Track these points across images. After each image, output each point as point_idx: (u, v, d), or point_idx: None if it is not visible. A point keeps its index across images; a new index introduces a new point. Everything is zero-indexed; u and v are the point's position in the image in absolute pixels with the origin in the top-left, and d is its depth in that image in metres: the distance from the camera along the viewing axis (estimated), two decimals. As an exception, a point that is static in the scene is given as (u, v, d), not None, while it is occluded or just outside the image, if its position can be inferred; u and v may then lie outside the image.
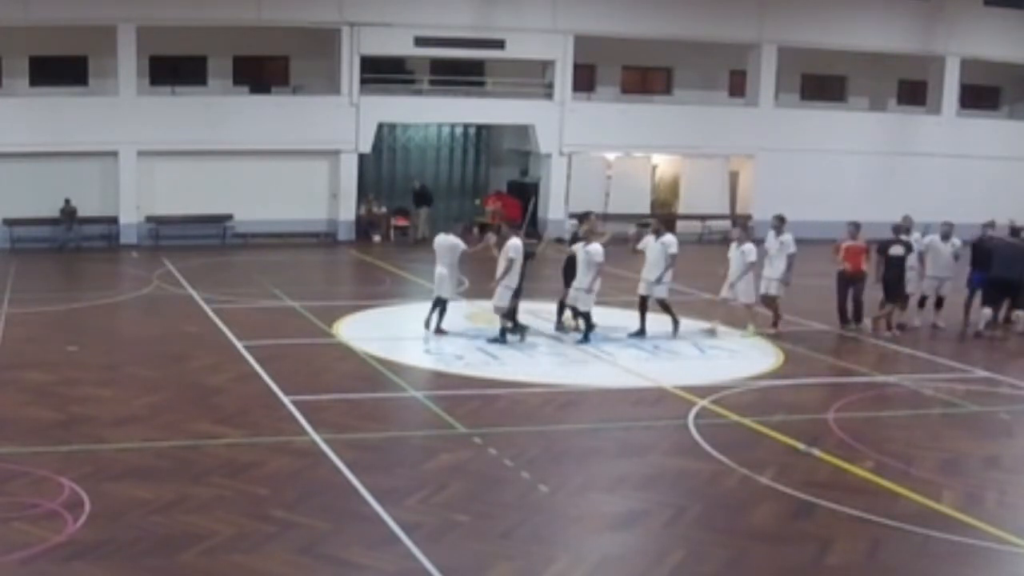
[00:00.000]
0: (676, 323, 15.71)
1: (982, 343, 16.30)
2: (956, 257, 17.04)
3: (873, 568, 7.64)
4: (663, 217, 30.60)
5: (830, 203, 28.69)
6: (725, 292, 16.15)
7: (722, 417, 11.39)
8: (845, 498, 8.83)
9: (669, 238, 15.73)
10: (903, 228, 17.16)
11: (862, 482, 9.35)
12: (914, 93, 33.22)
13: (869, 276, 16.37)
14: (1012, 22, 31.91)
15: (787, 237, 16.25)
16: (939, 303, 17.07)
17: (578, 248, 15.05)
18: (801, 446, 10.30)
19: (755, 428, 10.95)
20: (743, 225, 18.13)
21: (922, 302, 17.16)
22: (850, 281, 16.37)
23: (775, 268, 16.19)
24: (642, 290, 15.67)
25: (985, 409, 12.10)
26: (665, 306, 15.69)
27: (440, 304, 15.29)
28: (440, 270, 15.23)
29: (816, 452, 10.12)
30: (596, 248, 14.73)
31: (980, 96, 33.97)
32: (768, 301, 16.27)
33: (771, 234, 16.52)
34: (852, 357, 14.77)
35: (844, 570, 7.57)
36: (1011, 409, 12.13)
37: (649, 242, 15.76)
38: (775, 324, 16.11)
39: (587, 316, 15.00)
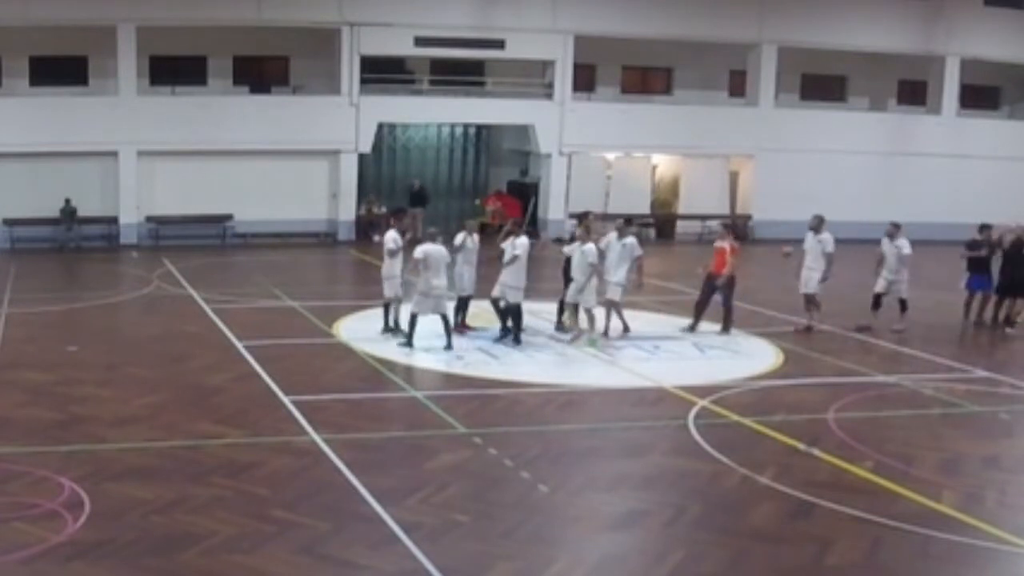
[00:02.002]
0: (626, 328, 15.51)
1: (982, 343, 16.32)
2: (902, 258, 16.61)
3: (873, 568, 7.64)
4: (661, 217, 30.82)
5: (830, 203, 28.56)
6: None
7: (722, 417, 11.39)
8: (845, 498, 8.83)
9: (631, 240, 15.42)
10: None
11: (862, 482, 9.35)
12: (914, 93, 33.21)
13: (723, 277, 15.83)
14: (1012, 22, 31.92)
15: (826, 236, 16.23)
16: (902, 306, 16.69)
17: (574, 248, 15.02)
18: (801, 446, 10.30)
19: (755, 428, 10.95)
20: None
21: (877, 302, 16.82)
22: (712, 283, 15.83)
23: (816, 267, 16.23)
24: (609, 294, 15.31)
25: (985, 409, 12.10)
26: (615, 308, 15.47)
27: (462, 303, 15.33)
28: (459, 270, 15.17)
29: (816, 452, 10.12)
30: (591, 248, 14.66)
31: (980, 96, 33.96)
32: (809, 299, 16.39)
33: (809, 234, 16.49)
34: (852, 357, 14.76)
35: (844, 570, 7.57)
36: (1011, 409, 12.14)
37: (611, 241, 15.47)
38: (810, 321, 16.27)
39: (589, 312, 14.97)
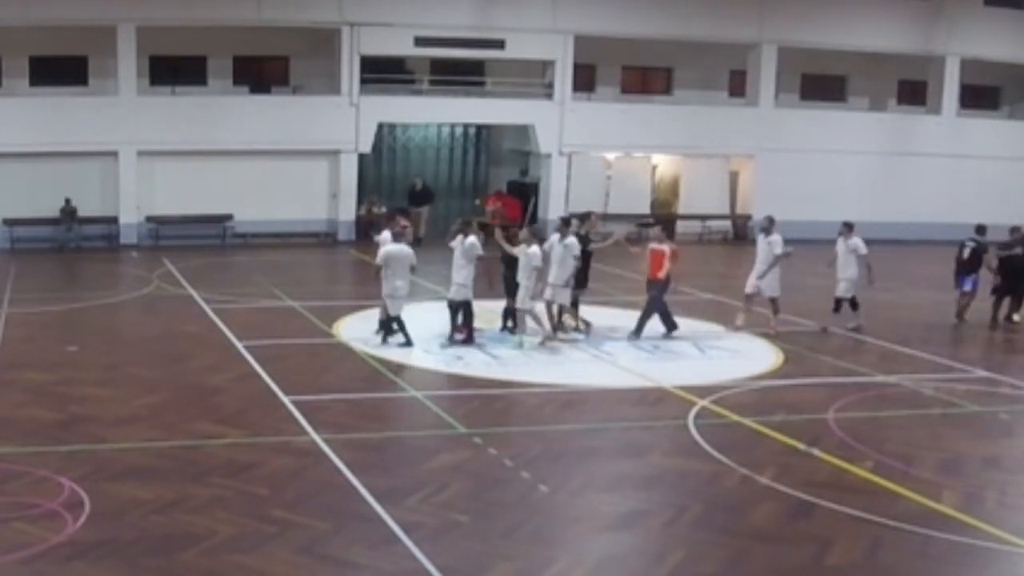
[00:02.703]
0: (554, 331, 15.20)
1: (982, 343, 16.32)
2: (859, 257, 16.49)
3: (873, 568, 7.64)
4: (662, 217, 30.76)
5: (830, 203, 28.70)
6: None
7: (722, 417, 11.39)
8: (845, 498, 8.83)
9: (571, 240, 14.95)
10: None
11: (862, 482, 9.35)
12: (914, 93, 33.21)
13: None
14: (1012, 22, 31.92)
15: (775, 238, 16.01)
16: (853, 305, 16.60)
17: (554, 242, 14.87)
18: (801, 446, 10.30)
19: (755, 428, 10.96)
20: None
21: (837, 306, 16.70)
22: (651, 286, 15.44)
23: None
24: (548, 296, 14.97)
25: (985, 409, 12.10)
26: (563, 310, 15.25)
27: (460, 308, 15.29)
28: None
29: (816, 452, 10.12)
30: (536, 251, 14.38)
31: (980, 96, 33.96)
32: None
33: (760, 236, 16.33)
34: (852, 357, 14.76)
35: (844, 570, 7.57)
36: (1011, 409, 12.14)
37: (553, 243, 15.03)
38: (773, 326, 16.06)
39: (575, 306, 14.85)
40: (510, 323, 15.39)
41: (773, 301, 16.12)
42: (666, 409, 11.74)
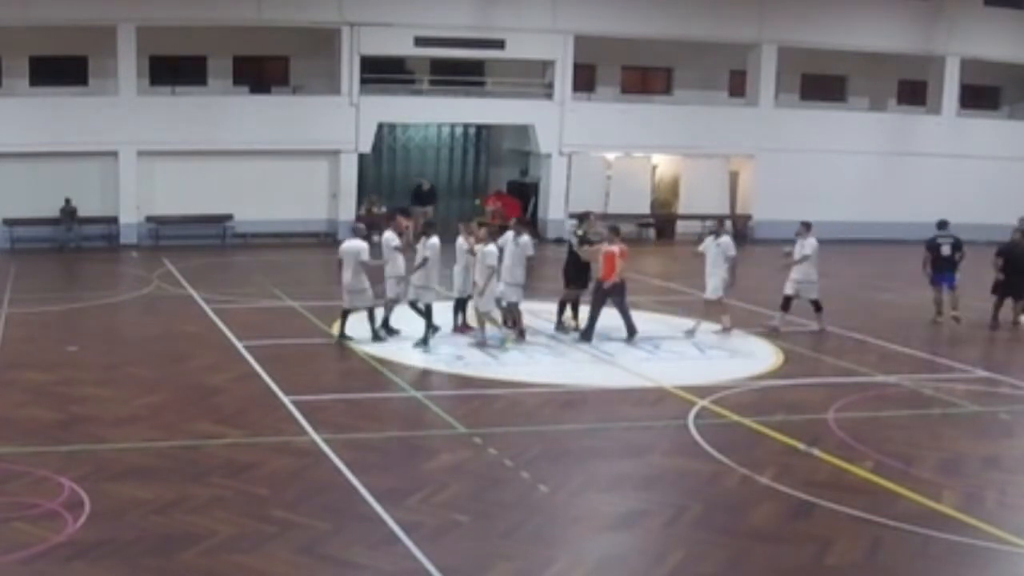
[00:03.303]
0: (513, 334, 15.06)
1: (982, 343, 16.31)
2: (804, 258, 16.28)
3: (873, 568, 7.65)
4: (662, 217, 30.79)
5: (830, 203, 28.71)
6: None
7: (722, 417, 11.39)
8: (845, 498, 8.83)
9: (525, 239, 14.98)
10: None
11: (862, 482, 9.35)
12: (914, 93, 33.21)
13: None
14: (1012, 22, 31.91)
15: (725, 240, 15.96)
16: (815, 306, 16.42)
17: (507, 239, 14.83)
18: (801, 446, 10.30)
19: (755, 428, 10.95)
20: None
21: (786, 304, 16.48)
22: (604, 290, 14.98)
23: (716, 272, 15.85)
24: (497, 292, 14.77)
25: (985, 409, 12.10)
26: (512, 309, 15.06)
27: (460, 304, 15.33)
28: (458, 270, 15.04)
29: (816, 452, 10.12)
30: (492, 250, 14.35)
31: (980, 96, 33.95)
32: (712, 303, 15.94)
33: (709, 239, 16.16)
34: (852, 357, 14.76)
35: (844, 570, 7.57)
36: (1011, 409, 12.14)
37: (507, 241, 14.95)
38: (725, 326, 15.89)
39: (514, 307, 14.73)
40: (510, 323, 15.40)
41: (713, 303, 15.82)
42: (666, 409, 11.74)
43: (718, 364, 14.19)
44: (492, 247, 14.39)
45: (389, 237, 15.06)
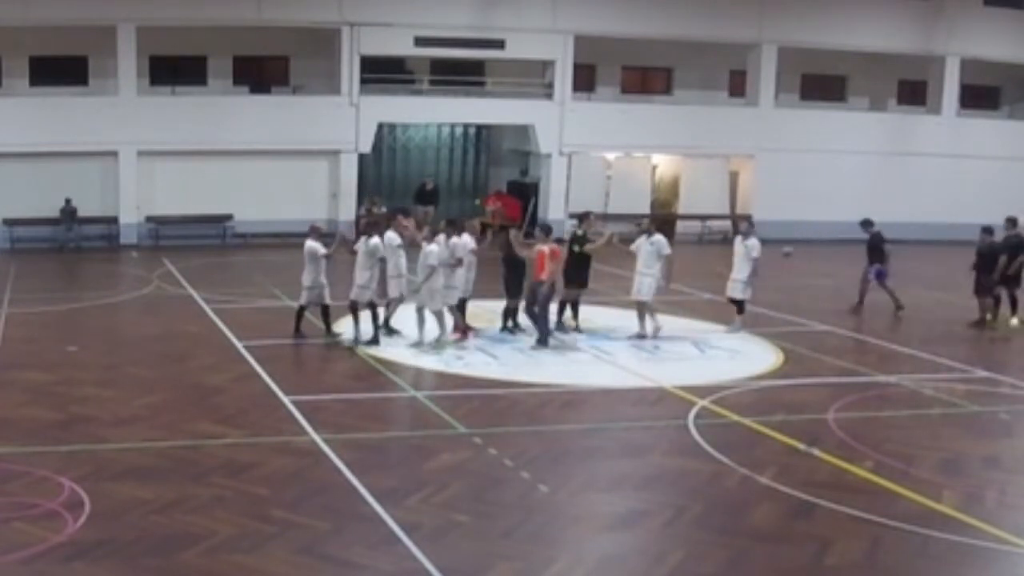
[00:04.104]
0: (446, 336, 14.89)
1: (982, 343, 16.31)
2: (751, 259, 15.83)
3: (873, 568, 7.64)
4: (661, 217, 30.75)
5: (830, 203, 28.71)
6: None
7: (722, 417, 11.39)
8: (845, 498, 8.83)
9: (459, 240, 14.81)
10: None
11: (862, 482, 9.35)
12: (914, 93, 33.20)
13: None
14: (1012, 22, 31.91)
15: (659, 238, 15.41)
16: (738, 307, 16.03)
17: (440, 240, 14.71)
18: (801, 446, 10.30)
19: (755, 428, 10.95)
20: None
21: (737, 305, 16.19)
22: (543, 292, 14.56)
23: (648, 272, 15.29)
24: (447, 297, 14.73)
25: (985, 409, 12.10)
26: (450, 311, 14.82)
27: (459, 304, 15.29)
28: (458, 271, 14.95)
29: (816, 452, 10.12)
30: (432, 250, 14.35)
31: (980, 96, 33.94)
32: (642, 306, 15.43)
33: (642, 237, 15.46)
34: (852, 357, 14.76)
35: (844, 570, 7.57)
36: (1011, 409, 12.14)
37: (439, 243, 14.81)
38: (641, 330, 15.50)
39: (440, 314, 14.56)
40: (510, 323, 15.40)
41: (643, 304, 15.40)
42: (666, 409, 11.74)
43: (718, 364, 14.18)
44: (433, 247, 14.41)
45: (391, 237, 15.05)
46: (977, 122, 32.73)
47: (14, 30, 25.04)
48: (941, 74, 31.84)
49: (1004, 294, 17.35)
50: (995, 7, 31.79)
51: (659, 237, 15.49)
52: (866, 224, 18.24)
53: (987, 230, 17.53)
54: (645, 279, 15.29)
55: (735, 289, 16.01)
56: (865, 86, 33.14)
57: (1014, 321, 17.20)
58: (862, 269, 18.21)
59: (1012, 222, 17.65)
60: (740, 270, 15.94)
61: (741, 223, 16.19)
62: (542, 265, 14.46)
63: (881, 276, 17.84)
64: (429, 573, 7.24)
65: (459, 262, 14.66)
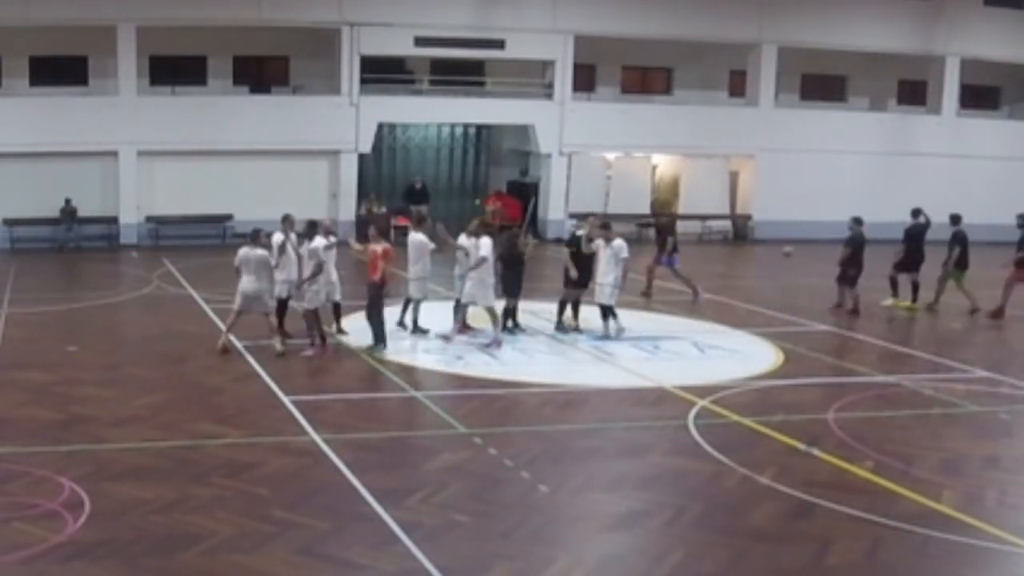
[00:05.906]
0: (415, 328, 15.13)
1: (982, 343, 16.32)
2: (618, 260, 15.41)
3: (873, 568, 7.64)
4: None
5: (830, 203, 28.70)
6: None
7: (722, 417, 11.39)
8: (845, 498, 8.82)
9: (415, 236, 14.91)
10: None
11: (862, 482, 9.35)
12: (914, 93, 33.22)
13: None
14: (1012, 22, 31.92)
15: (619, 243, 15.14)
16: (602, 312, 15.51)
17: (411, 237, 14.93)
18: (801, 446, 10.29)
19: (755, 428, 10.95)
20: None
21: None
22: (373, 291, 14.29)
23: (607, 277, 15.13)
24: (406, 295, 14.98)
25: (985, 409, 12.09)
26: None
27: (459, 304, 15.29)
28: (457, 271, 15.10)
29: (816, 452, 10.12)
30: (419, 237, 14.57)
31: (980, 96, 33.96)
32: (605, 309, 15.24)
33: (600, 242, 15.26)
34: (852, 357, 14.76)
35: (844, 570, 7.57)
36: (1011, 409, 12.13)
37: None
38: (606, 331, 15.41)
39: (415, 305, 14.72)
40: (510, 323, 15.41)
41: (606, 308, 15.23)
42: (666, 409, 11.73)
43: (718, 364, 14.18)
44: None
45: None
46: (977, 122, 32.74)
47: (14, 30, 25.06)
48: (941, 74, 31.85)
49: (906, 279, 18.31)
50: (995, 7, 31.80)
51: (619, 242, 15.14)
52: (856, 222, 18.32)
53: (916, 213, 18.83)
54: (605, 289, 15.11)
55: (602, 294, 15.23)
56: (865, 86, 33.16)
57: (888, 301, 18.10)
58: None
59: (915, 213, 18.78)
60: (606, 274, 15.20)
61: (594, 229, 15.35)
62: (375, 265, 14.19)
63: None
64: (429, 573, 7.24)
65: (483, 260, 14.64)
